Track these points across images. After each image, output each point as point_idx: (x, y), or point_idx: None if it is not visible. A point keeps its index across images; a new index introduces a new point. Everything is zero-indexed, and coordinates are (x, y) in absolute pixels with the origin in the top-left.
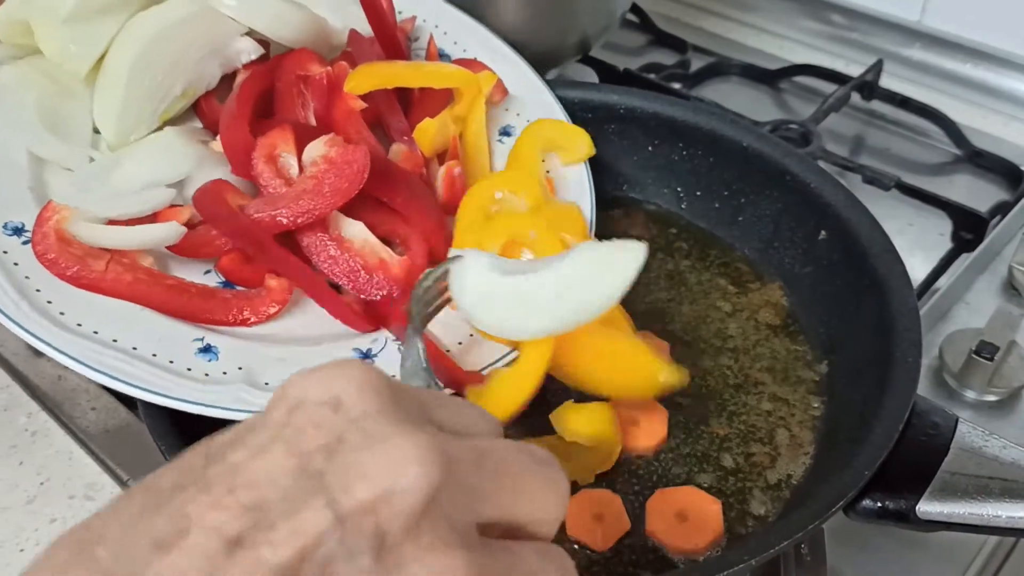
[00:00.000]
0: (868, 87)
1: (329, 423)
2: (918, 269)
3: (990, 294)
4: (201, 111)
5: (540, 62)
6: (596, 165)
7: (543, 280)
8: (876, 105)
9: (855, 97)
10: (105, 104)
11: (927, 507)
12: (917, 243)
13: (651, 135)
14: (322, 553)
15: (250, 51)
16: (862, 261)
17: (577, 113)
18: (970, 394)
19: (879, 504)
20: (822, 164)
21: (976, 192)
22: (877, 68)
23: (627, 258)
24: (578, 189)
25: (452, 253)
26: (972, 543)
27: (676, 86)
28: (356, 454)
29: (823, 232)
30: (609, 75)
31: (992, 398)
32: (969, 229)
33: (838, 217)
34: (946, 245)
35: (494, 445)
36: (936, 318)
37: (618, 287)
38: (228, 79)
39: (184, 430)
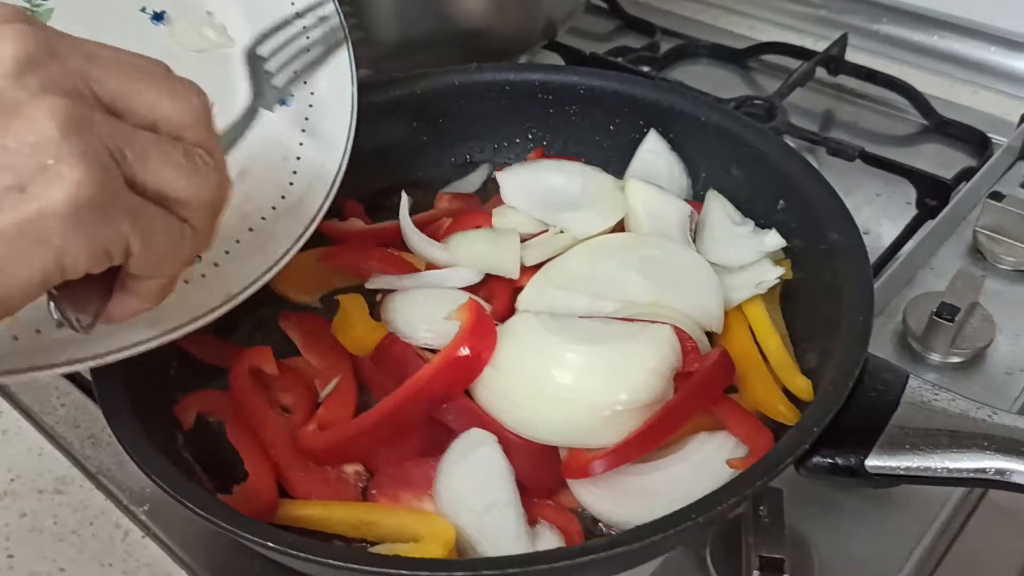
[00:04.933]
0: (834, 61)
1: None
2: (884, 237)
3: (955, 259)
4: None
5: (506, 48)
6: (559, 145)
7: None
8: (843, 79)
9: (822, 72)
10: None
11: (876, 461)
12: (884, 212)
13: (612, 114)
14: None
15: None
16: (818, 225)
17: (538, 95)
18: (934, 357)
19: (829, 460)
20: (788, 138)
21: (944, 161)
22: (842, 42)
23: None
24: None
25: None
26: (936, 499)
27: (645, 69)
28: None
29: (781, 201)
30: (576, 60)
31: (956, 359)
32: (934, 196)
33: (796, 186)
34: (912, 213)
35: (111, 51)
36: (901, 283)
37: None
38: None
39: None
